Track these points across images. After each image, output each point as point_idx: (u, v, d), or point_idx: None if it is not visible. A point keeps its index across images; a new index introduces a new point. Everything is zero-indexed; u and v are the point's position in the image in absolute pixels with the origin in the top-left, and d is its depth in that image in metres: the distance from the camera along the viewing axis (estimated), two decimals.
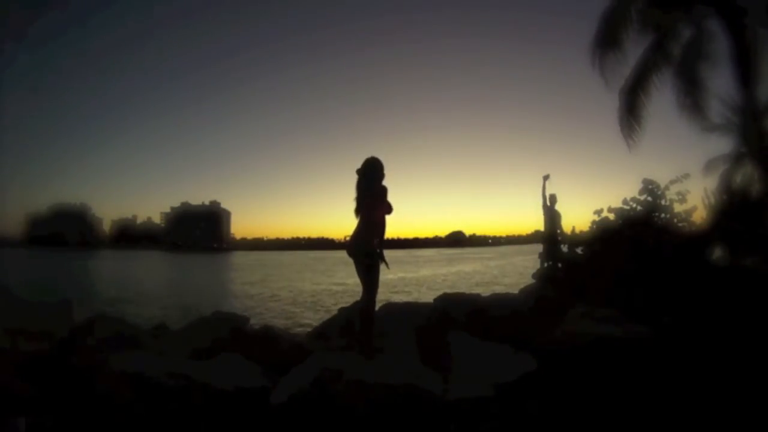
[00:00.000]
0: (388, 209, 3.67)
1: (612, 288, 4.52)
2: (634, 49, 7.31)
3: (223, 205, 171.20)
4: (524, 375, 3.04)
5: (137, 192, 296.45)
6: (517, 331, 4.06)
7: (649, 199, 5.70)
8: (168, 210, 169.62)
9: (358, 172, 3.68)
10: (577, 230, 7.43)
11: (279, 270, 41.10)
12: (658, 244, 4.94)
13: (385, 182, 3.71)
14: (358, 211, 3.65)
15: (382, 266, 3.64)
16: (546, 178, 7.51)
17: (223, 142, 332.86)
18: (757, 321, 3.31)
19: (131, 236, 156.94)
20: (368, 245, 3.58)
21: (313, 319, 11.28)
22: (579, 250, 6.45)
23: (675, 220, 5.59)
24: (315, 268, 41.72)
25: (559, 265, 6.95)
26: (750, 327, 3.27)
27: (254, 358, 3.89)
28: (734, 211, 5.19)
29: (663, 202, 5.65)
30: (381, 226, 3.66)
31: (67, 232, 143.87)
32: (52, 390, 3.21)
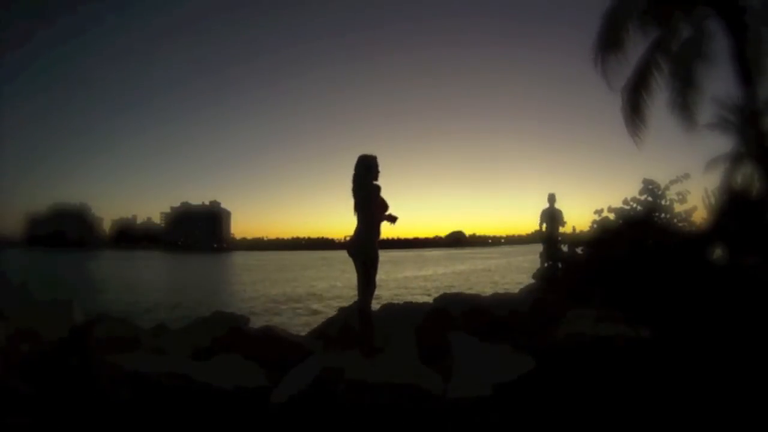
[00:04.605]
0: (383, 207, 3.66)
1: (612, 288, 4.52)
2: (636, 49, 7.34)
3: (223, 205, 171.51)
4: (524, 375, 3.04)
5: (137, 192, 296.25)
6: (517, 331, 4.06)
7: (650, 199, 5.70)
8: (168, 210, 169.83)
9: (354, 172, 3.65)
10: (577, 230, 7.44)
11: (279, 270, 41.10)
12: (658, 244, 4.94)
13: (383, 181, 3.70)
14: (355, 209, 3.63)
15: (380, 264, 3.65)
16: (552, 198, 7.96)
17: (223, 142, 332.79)
18: (757, 321, 3.31)
19: (131, 236, 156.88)
20: (368, 245, 3.58)
21: (313, 319, 11.28)
22: (579, 250, 6.45)
23: (675, 220, 5.58)
24: (316, 268, 41.73)
25: (560, 265, 6.95)
26: (750, 327, 3.27)
27: (254, 358, 3.89)
28: (734, 211, 5.19)
29: (663, 202, 5.65)
30: (378, 224, 3.66)
31: (67, 232, 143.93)
32: (52, 390, 3.21)
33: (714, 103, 7.78)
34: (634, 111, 7.34)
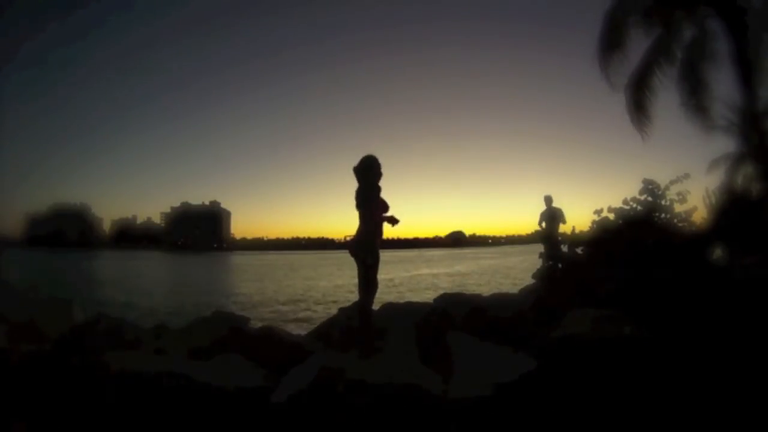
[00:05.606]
0: (384, 208, 3.66)
1: (612, 288, 4.51)
2: (637, 48, 7.39)
3: (223, 205, 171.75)
4: (524, 375, 3.03)
5: (137, 192, 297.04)
6: (517, 331, 4.05)
7: (650, 199, 5.69)
8: (168, 210, 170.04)
9: (355, 170, 3.65)
10: (577, 230, 7.45)
11: (280, 269, 41.06)
12: (658, 244, 4.93)
13: (384, 181, 3.69)
14: (357, 208, 3.63)
15: (381, 264, 3.64)
16: (548, 200, 8.09)
17: (222, 142, 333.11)
18: (757, 322, 3.31)
19: (131, 236, 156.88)
20: (369, 245, 3.58)
21: (313, 319, 11.27)
22: (579, 250, 6.44)
23: (675, 221, 5.58)
24: (316, 267, 41.70)
25: (560, 265, 6.94)
26: (750, 328, 3.27)
27: (254, 358, 3.89)
28: (734, 211, 5.19)
29: (663, 203, 5.64)
30: (379, 224, 3.65)
31: (67, 232, 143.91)
32: (52, 390, 3.20)
33: (716, 103, 7.80)
34: (638, 108, 7.43)
